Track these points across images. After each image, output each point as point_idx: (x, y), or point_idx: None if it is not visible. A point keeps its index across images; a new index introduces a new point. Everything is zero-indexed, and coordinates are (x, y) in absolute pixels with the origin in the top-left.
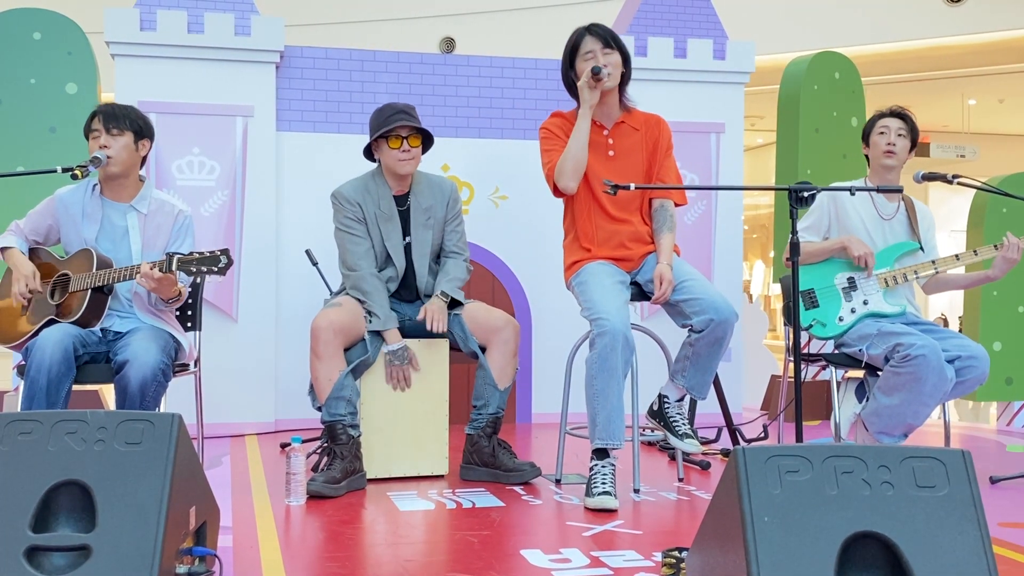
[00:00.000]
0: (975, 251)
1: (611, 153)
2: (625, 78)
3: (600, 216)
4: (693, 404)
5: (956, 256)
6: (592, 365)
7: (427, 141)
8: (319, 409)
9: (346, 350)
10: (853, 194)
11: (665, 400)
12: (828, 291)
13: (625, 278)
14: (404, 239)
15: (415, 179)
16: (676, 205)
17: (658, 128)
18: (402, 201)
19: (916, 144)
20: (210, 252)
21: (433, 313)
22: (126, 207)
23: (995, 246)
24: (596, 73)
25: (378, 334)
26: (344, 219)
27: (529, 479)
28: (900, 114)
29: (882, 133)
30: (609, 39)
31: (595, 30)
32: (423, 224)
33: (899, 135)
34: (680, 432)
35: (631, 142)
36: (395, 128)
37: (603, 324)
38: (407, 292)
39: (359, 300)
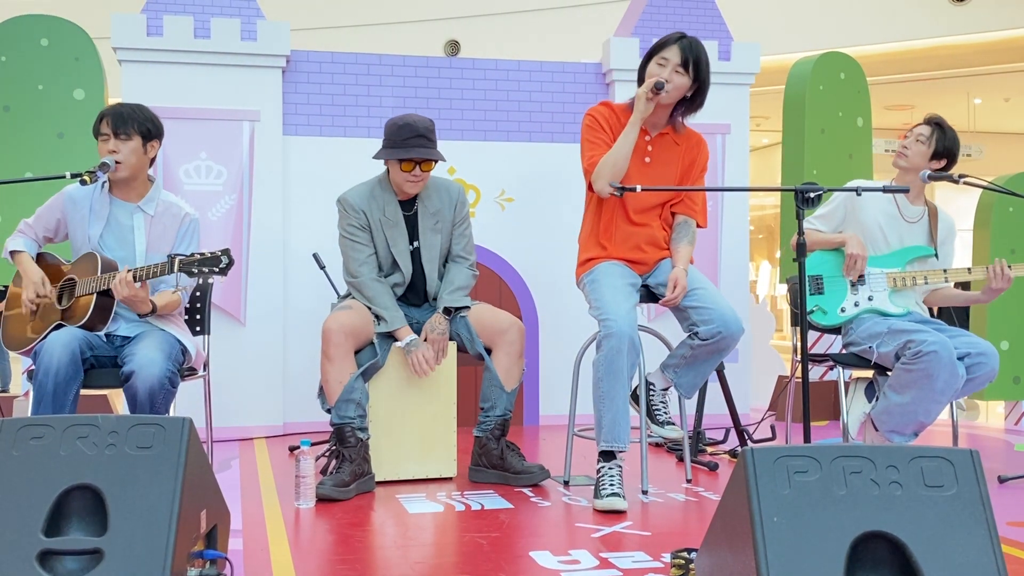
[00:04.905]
0: (987, 267)
1: (647, 160)
2: (690, 106)
3: (622, 217)
4: (701, 403)
5: (968, 269)
6: (599, 368)
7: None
8: (328, 411)
9: (356, 352)
10: (859, 194)
11: (651, 387)
12: (836, 280)
13: (636, 281)
14: (412, 244)
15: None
16: (698, 226)
17: (698, 148)
18: (409, 206)
19: (946, 156)
20: (211, 253)
21: (434, 343)
22: (133, 207)
23: (989, 267)
24: (658, 89)
25: (387, 336)
26: (348, 226)
27: (538, 481)
28: (930, 120)
29: (906, 136)
30: (690, 62)
31: (684, 44)
32: (431, 228)
33: (917, 140)
34: (661, 420)
35: (670, 154)
36: (411, 157)
37: (610, 326)
38: (415, 297)
39: (366, 305)
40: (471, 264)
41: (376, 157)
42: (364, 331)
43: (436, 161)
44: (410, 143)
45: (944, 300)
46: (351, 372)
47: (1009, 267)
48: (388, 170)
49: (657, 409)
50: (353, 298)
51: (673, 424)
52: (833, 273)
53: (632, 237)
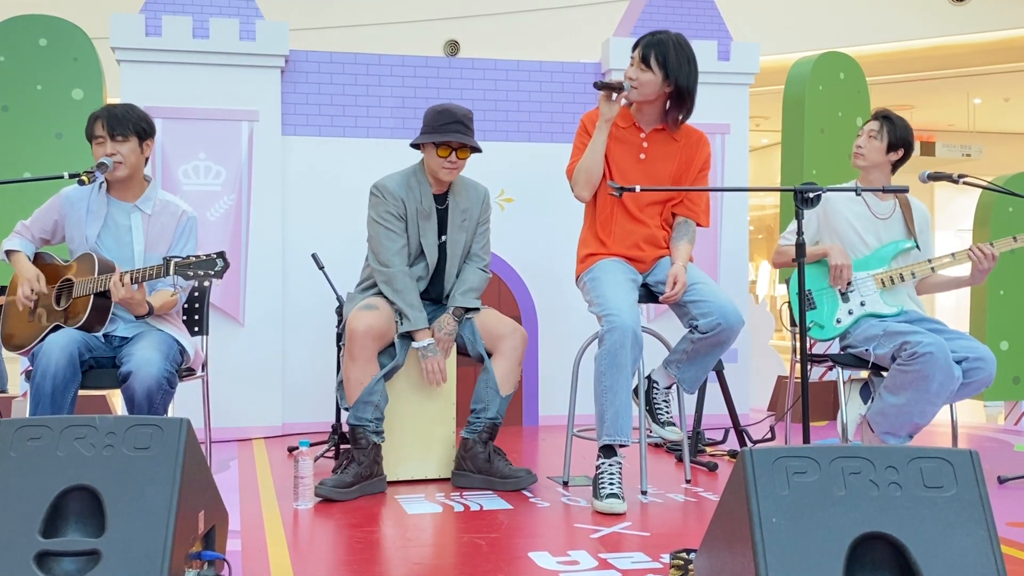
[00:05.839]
0: (969, 250)
1: (642, 156)
2: (678, 105)
3: (621, 213)
4: (700, 403)
5: (952, 255)
6: (601, 361)
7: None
8: (347, 409)
9: (379, 353)
10: (859, 194)
11: (654, 385)
12: (825, 292)
13: (637, 277)
14: (440, 238)
15: (454, 180)
16: (698, 225)
17: (697, 145)
18: (441, 200)
19: (902, 146)
20: (206, 255)
21: (439, 342)
22: (131, 207)
23: (969, 250)
24: (599, 87)
25: (406, 337)
26: (384, 212)
27: (524, 486)
28: (877, 114)
29: (859, 135)
30: (651, 57)
31: (646, 41)
32: (459, 225)
33: (869, 136)
34: (663, 420)
35: (666, 150)
36: (448, 140)
37: (613, 320)
38: (434, 291)
39: (389, 300)
40: (485, 265)
41: (414, 143)
42: (388, 333)
43: (472, 150)
44: (448, 128)
45: (934, 287)
46: (372, 374)
47: (991, 244)
48: (423, 160)
49: (659, 408)
50: (376, 293)
51: (674, 425)
52: (821, 286)
53: (631, 235)
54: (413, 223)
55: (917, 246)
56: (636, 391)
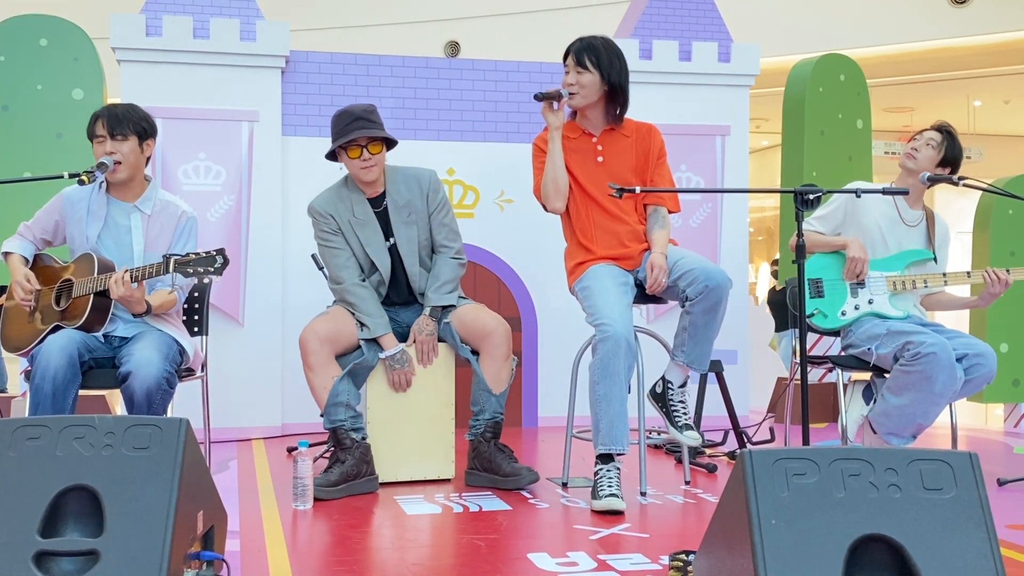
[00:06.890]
0: (986, 271)
1: (600, 159)
2: (614, 101)
3: (599, 215)
4: (700, 405)
5: (967, 273)
6: (595, 371)
7: (390, 141)
8: (322, 416)
9: (344, 355)
10: (859, 196)
11: (669, 385)
12: (836, 283)
13: (628, 278)
14: (388, 241)
15: (388, 176)
16: (669, 211)
17: (649, 135)
18: (378, 202)
19: (951, 164)
20: (206, 252)
21: (422, 344)
22: (130, 207)
23: (984, 271)
24: (539, 99)
25: (375, 341)
26: (321, 232)
27: (524, 484)
28: (941, 127)
29: (914, 139)
30: (585, 59)
31: (575, 47)
32: (404, 222)
33: (927, 144)
34: (680, 424)
35: (620, 147)
36: (353, 139)
37: (605, 329)
38: (398, 295)
39: (350, 312)
40: (456, 252)
41: (328, 153)
42: (342, 334)
43: (385, 144)
44: (349, 128)
45: (940, 305)
46: (334, 376)
47: (1007, 271)
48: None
49: (676, 411)
50: (337, 304)
51: (692, 428)
52: (833, 276)
53: (614, 234)
54: (351, 234)
55: (935, 259)
56: (652, 393)
